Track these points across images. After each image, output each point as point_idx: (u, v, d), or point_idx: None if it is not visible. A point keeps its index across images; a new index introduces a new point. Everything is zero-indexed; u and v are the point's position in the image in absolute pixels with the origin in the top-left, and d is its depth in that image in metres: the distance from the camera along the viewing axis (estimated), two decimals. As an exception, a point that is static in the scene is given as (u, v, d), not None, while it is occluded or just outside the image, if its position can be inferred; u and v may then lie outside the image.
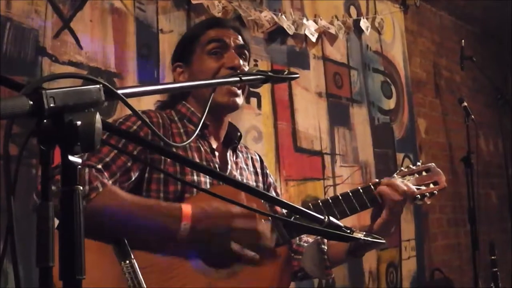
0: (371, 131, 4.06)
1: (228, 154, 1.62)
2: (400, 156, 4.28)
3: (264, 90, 3.28)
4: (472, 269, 3.51)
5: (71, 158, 0.68)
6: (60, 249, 0.67)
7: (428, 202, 1.65)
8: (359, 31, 4.04)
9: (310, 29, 3.57)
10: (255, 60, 3.22)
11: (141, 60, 2.71)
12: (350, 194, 1.55)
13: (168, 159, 1.44)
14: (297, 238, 1.67)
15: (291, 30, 3.43)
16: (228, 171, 1.57)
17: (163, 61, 2.77)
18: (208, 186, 1.48)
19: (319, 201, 1.55)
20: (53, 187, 0.70)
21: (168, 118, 1.54)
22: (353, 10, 4.04)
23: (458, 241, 4.79)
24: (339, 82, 3.85)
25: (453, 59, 4.91)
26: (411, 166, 1.68)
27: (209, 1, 2.99)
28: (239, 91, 1.56)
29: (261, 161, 1.78)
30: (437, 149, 4.81)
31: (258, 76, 1.22)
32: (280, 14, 3.38)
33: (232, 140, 1.65)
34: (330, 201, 1.53)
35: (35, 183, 1.32)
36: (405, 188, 1.55)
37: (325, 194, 3.54)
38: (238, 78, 1.17)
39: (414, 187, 1.59)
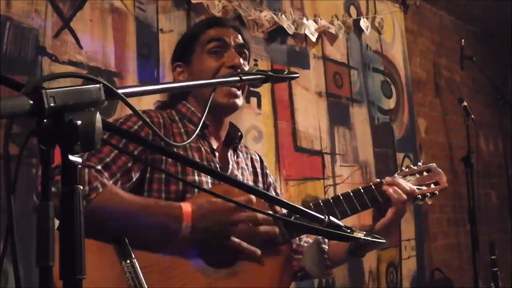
0: (371, 130, 4.06)
1: (229, 154, 1.62)
2: (400, 155, 4.28)
3: (264, 90, 3.28)
4: (472, 269, 3.51)
5: (71, 157, 0.68)
6: (61, 248, 0.67)
7: (429, 202, 1.65)
8: (359, 30, 4.04)
9: (310, 28, 3.57)
10: (255, 60, 3.22)
11: (141, 59, 2.71)
12: (351, 194, 1.55)
13: (169, 159, 1.44)
14: (297, 238, 1.67)
15: (291, 30, 3.43)
16: (230, 171, 1.57)
17: (163, 61, 2.77)
18: (210, 186, 1.48)
19: (320, 201, 1.55)
20: (52, 189, 0.69)
21: (168, 118, 1.54)
22: (353, 10, 4.03)
23: (458, 241, 4.79)
24: (339, 81, 3.85)
25: (453, 59, 4.90)
26: (412, 166, 1.68)
27: (209, 1, 2.99)
28: (239, 92, 1.55)
29: (261, 161, 1.78)
30: (437, 149, 4.81)
31: (258, 76, 1.21)
32: (280, 13, 3.38)
33: (233, 140, 1.65)
34: (331, 201, 1.53)
35: (35, 184, 1.31)
36: (408, 188, 1.55)
37: (325, 193, 3.53)
38: (238, 78, 1.17)
39: (414, 187, 1.59)
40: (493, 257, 3.17)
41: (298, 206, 1.03)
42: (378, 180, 1.58)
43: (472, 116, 3.73)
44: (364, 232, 1.11)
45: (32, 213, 1.11)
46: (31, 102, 0.64)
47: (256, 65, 3.16)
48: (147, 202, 1.36)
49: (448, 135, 4.96)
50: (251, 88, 1.80)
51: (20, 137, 1.77)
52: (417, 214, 4.29)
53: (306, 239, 1.72)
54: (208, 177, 1.48)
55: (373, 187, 1.56)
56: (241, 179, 1.59)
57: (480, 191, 4.48)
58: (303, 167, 3.44)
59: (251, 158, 1.74)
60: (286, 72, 1.29)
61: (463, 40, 4.32)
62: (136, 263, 1.25)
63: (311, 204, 1.54)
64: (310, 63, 3.64)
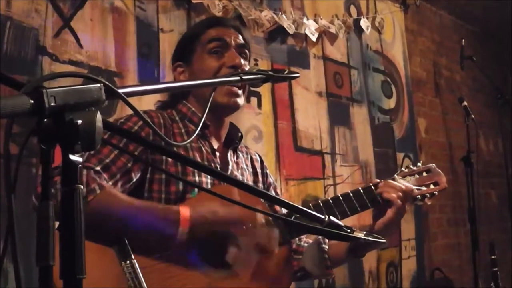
0: (371, 130, 4.06)
1: (229, 154, 1.62)
2: (400, 155, 4.28)
3: (264, 90, 3.28)
4: (472, 268, 3.51)
5: (71, 157, 0.68)
6: (61, 248, 0.67)
7: (429, 203, 1.65)
8: (359, 30, 4.04)
9: (311, 28, 3.56)
10: (256, 60, 3.22)
11: (142, 59, 2.71)
12: (351, 194, 1.55)
13: (170, 160, 1.44)
14: (297, 238, 1.67)
15: (291, 30, 3.43)
16: (229, 171, 1.57)
17: (164, 61, 2.77)
18: (210, 186, 1.48)
19: (319, 201, 1.55)
20: (52, 190, 0.69)
21: (169, 118, 1.54)
22: (353, 10, 4.03)
23: (458, 240, 4.79)
24: (339, 81, 3.85)
25: (453, 58, 4.90)
26: (411, 166, 1.68)
27: (209, 1, 2.99)
28: (240, 91, 1.55)
29: (261, 161, 1.78)
30: (437, 149, 4.81)
31: (259, 76, 1.21)
32: (280, 13, 3.38)
33: (233, 140, 1.65)
34: (331, 201, 1.53)
35: (35, 184, 1.31)
36: (403, 186, 1.55)
37: (325, 193, 3.53)
38: (238, 77, 1.17)
39: (412, 186, 1.59)
40: (493, 257, 3.18)
41: (298, 206, 1.03)
42: (378, 180, 1.58)
43: (472, 116, 3.73)
44: (364, 232, 1.12)
45: (32, 213, 1.11)
46: (32, 101, 0.64)
47: (256, 64, 3.16)
48: (145, 205, 1.35)
49: (448, 135, 4.96)
50: (251, 88, 1.80)
51: (20, 136, 1.77)
52: (417, 214, 4.29)
53: (306, 239, 1.72)
54: (208, 177, 1.48)
55: (372, 187, 1.56)
56: (241, 180, 1.59)
57: (480, 191, 4.47)
58: (303, 167, 3.44)
59: (251, 158, 1.74)
60: (286, 72, 1.29)
61: (463, 39, 4.32)
62: (136, 264, 1.25)
63: (310, 204, 1.53)
64: (310, 63, 3.64)
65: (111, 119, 1.66)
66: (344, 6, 3.97)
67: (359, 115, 3.97)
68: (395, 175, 1.65)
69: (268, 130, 3.27)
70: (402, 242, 4.10)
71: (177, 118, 1.57)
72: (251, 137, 3.14)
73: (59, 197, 0.69)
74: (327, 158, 3.62)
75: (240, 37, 1.61)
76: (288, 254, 1.55)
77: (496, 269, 3.17)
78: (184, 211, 1.32)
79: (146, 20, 2.77)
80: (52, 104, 0.65)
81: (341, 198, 1.54)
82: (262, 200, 1.50)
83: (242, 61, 1.56)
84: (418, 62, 4.81)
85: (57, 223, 0.68)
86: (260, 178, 1.72)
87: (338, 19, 3.82)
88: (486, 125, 5.25)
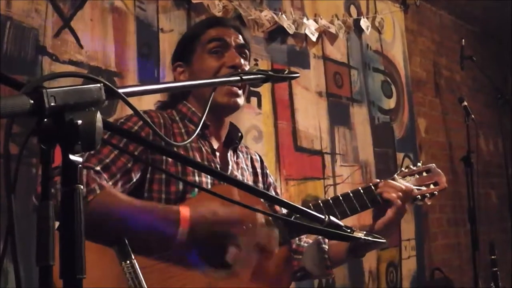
0: (371, 130, 4.06)
1: (229, 154, 1.62)
2: (400, 155, 4.28)
3: (265, 90, 3.28)
4: (472, 268, 3.51)
5: (71, 157, 0.68)
6: (61, 248, 0.67)
7: (429, 203, 1.65)
8: (359, 30, 4.04)
9: (311, 28, 3.56)
10: (256, 60, 3.22)
11: (142, 59, 2.71)
12: (351, 194, 1.55)
13: (170, 160, 1.44)
14: (297, 238, 1.67)
15: (291, 30, 3.43)
16: (229, 171, 1.57)
17: (164, 61, 2.77)
18: (209, 186, 1.48)
19: (319, 201, 1.55)
20: (52, 190, 0.69)
21: (169, 118, 1.54)
22: (353, 10, 4.03)
23: (458, 240, 4.79)
24: (339, 81, 3.85)
25: (453, 58, 4.90)
26: (411, 166, 1.68)
27: (209, 1, 2.99)
28: (240, 91, 1.55)
29: (261, 161, 1.78)
30: (437, 149, 4.81)
31: (259, 76, 1.21)
32: (280, 13, 3.38)
33: (233, 140, 1.65)
34: (331, 201, 1.53)
35: (34, 184, 1.31)
36: (403, 186, 1.55)
37: (325, 193, 3.53)
38: (238, 77, 1.17)
39: (411, 186, 1.59)
40: (493, 257, 3.18)
41: (298, 206, 1.03)
42: (378, 180, 1.58)
43: (472, 115, 3.73)
44: (364, 232, 1.11)
45: (32, 213, 1.11)
46: (32, 101, 0.64)
47: (256, 64, 3.16)
48: (145, 205, 1.35)
49: (448, 135, 4.96)
50: (251, 88, 1.80)
51: (20, 136, 1.77)
52: (417, 214, 4.29)
53: (306, 239, 1.72)
54: (208, 177, 1.48)
55: (372, 187, 1.56)
56: (241, 180, 1.59)
57: (480, 191, 4.47)
58: (303, 167, 3.44)
59: (251, 158, 1.74)
60: (286, 72, 1.29)
61: (463, 39, 4.32)
62: (136, 264, 1.25)
63: (310, 204, 1.53)
64: (310, 63, 3.64)
65: (111, 119, 1.66)
66: (344, 6, 3.97)
67: (359, 115, 3.97)
68: (395, 175, 1.65)
69: (268, 130, 3.27)
70: (402, 242, 4.10)
71: (177, 118, 1.57)
72: (251, 137, 3.14)
73: (59, 197, 0.69)
74: (327, 158, 3.62)
75: (240, 37, 1.61)
76: (288, 254, 1.55)
77: (496, 269, 3.18)
78: (184, 211, 1.32)
79: (146, 20, 2.77)
80: (52, 104, 0.65)
81: (341, 198, 1.54)
82: (262, 200, 1.50)
83: (242, 61, 1.55)
84: (418, 62, 4.81)
85: (57, 223, 0.68)
86: (260, 178, 1.72)
87: (338, 19, 3.82)
88: (486, 125, 5.25)
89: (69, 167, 0.68)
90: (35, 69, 2.29)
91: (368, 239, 1.11)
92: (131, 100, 0.79)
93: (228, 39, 1.57)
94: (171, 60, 1.68)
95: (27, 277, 1.86)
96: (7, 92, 1.61)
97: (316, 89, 3.64)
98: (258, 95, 3.23)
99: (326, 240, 1.64)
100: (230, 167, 1.58)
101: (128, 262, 1.25)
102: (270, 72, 1.23)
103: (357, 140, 3.91)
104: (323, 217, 1.02)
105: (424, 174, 1.66)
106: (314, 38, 3.59)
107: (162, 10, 2.84)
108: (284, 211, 1.61)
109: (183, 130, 1.53)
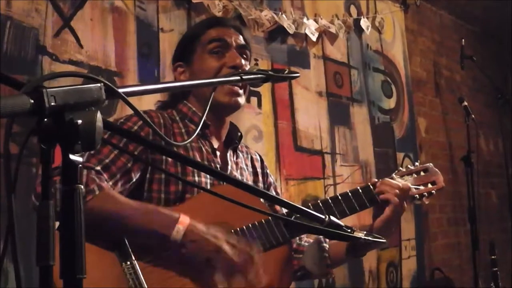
0: (371, 130, 4.06)
1: (228, 154, 1.62)
2: (400, 155, 4.28)
3: (265, 89, 3.28)
4: (472, 268, 3.51)
5: (71, 157, 0.68)
6: (61, 248, 0.67)
7: (427, 202, 1.66)
8: (359, 30, 4.04)
9: (311, 28, 3.56)
10: (256, 59, 3.22)
11: (142, 59, 2.71)
12: (350, 194, 1.55)
13: (170, 160, 1.43)
14: (297, 237, 1.67)
15: (291, 29, 3.43)
16: (229, 171, 1.57)
17: (164, 60, 2.77)
18: (209, 186, 1.48)
19: (319, 201, 1.54)
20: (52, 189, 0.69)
21: (169, 118, 1.54)
22: (353, 10, 4.03)
23: (458, 240, 4.79)
24: (339, 81, 3.85)
25: (453, 58, 4.90)
26: (409, 166, 1.69)
27: (209, 0, 2.99)
28: (241, 91, 1.55)
29: (261, 161, 1.78)
30: (437, 149, 4.81)
31: (259, 75, 1.21)
32: (280, 13, 3.38)
33: (233, 140, 1.65)
34: (330, 201, 1.53)
35: (34, 184, 1.31)
36: (400, 184, 1.55)
37: (325, 193, 3.53)
38: (239, 77, 1.17)
39: (408, 184, 1.59)
40: (493, 256, 3.18)
41: (299, 206, 1.03)
42: (377, 180, 1.58)
43: (472, 115, 3.73)
44: (365, 232, 1.11)
45: (32, 213, 1.11)
46: (32, 101, 0.64)
47: (256, 64, 3.16)
48: (144, 207, 1.34)
49: (448, 135, 4.96)
50: (251, 88, 1.80)
51: (20, 136, 1.76)
52: (417, 213, 4.29)
53: (307, 239, 1.72)
54: (208, 177, 1.48)
55: (371, 187, 1.56)
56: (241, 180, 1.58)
57: (480, 191, 4.47)
58: (304, 167, 3.44)
59: (251, 158, 1.74)
60: (286, 72, 1.29)
61: (463, 39, 4.32)
62: (137, 264, 1.25)
63: (310, 204, 1.53)
64: (310, 63, 3.64)
65: (111, 119, 1.66)
66: (344, 6, 3.96)
67: (359, 115, 3.97)
68: (393, 175, 1.66)
69: (268, 130, 3.27)
70: (402, 242, 4.10)
71: (177, 118, 1.57)
72: (251, 137, 3.14)
73: (58, 197, 0.69)
74: (327, 158, 3.62)
75: (241, 37, 1.61)
76: (289, 253, 1.55)
77: (496, 269, 3.18)
78: (184, 218, 1.31)
79: (146, 20, 2.77)
80: (52, 103, 0.65)
81: (340, 197, 1.54)
82: (262, 200, 1.50)
83: (243, 61, 1.55)
84: (418, 62, 4.81)
85: (57, 223, 0.68)
86: (260, 178, 1.72)
87: (338, 19, 3.82)
88: (486, 125, 5.25)
89: (69, 167, 0.68)
90: (35, 69, 2.29)
91: (368, 239, 1.11)
92: (131, 100, 0.79)
93: (229, 40, 1.57)
94: (171, 60, 1.68)
95: (27, 277, 1.86)
96: (7, 92, 1.61)
97: (316, 89, 3.64)
98: (258, 95, 3.23)
99: (327, 240, 1.64)
100: (229, 167, 1.58)
101: (128, 262, 1.25)
102: (270, 72, 1.23)
103: (357, 140, 3.91)
104: (323, 217, 1.02)
105: (422, 173, 1.66)
106: (314, 38, 3.59)
107: (162, 10, 2.84)
108: (285, 211, 1.61)
109: (183, 130, 1.53)
